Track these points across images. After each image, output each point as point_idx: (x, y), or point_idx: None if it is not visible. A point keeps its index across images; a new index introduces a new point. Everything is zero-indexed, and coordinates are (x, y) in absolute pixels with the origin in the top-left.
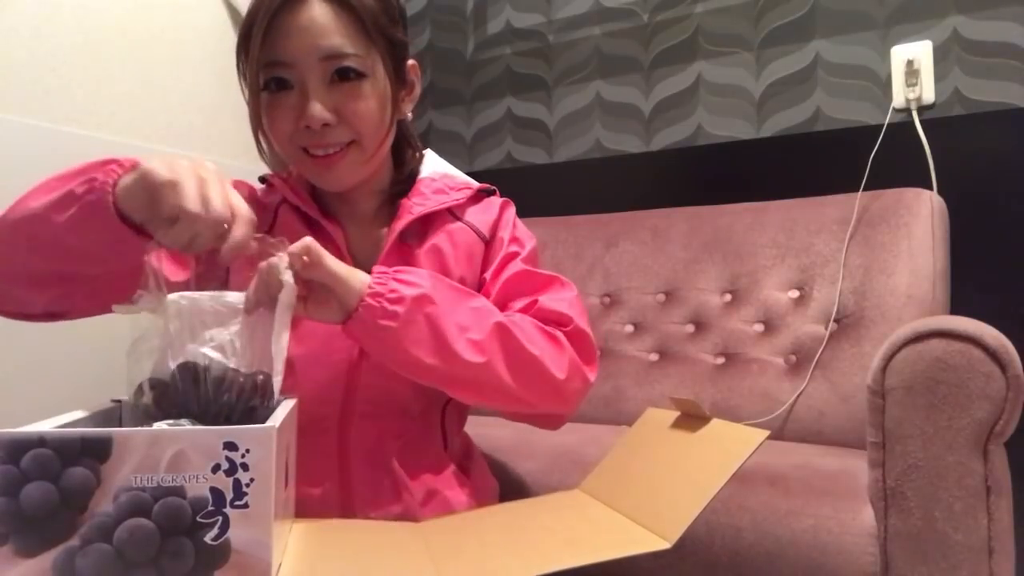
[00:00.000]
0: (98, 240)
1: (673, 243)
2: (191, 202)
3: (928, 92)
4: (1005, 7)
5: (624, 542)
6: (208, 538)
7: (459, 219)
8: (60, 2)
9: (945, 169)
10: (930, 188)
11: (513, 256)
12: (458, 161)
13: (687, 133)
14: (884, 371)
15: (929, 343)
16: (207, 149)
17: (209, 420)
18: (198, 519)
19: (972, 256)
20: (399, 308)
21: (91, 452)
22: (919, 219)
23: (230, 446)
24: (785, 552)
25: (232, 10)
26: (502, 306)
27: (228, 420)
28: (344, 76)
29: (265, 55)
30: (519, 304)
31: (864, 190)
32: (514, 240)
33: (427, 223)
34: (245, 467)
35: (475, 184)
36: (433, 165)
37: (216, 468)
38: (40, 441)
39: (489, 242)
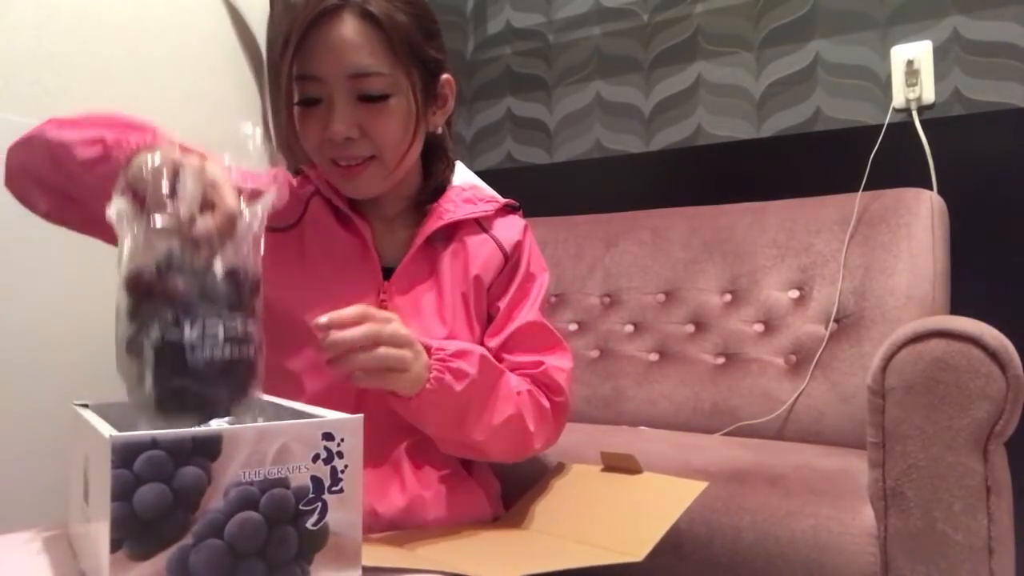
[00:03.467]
0: (107, 187)
1: (673, 243)
2: (179, 215)
3: (928, 92)
4: (1005, 7)
5: (597, 553)
6: (309, 524)
7: (485, 231)
8: (60, 2)
9: (945, 169)
10: (930, 188)
11: (528, 286)
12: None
13: (687, 133)
14: (884, 371)
15: (929, 343)
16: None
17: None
18: (300, 507)
19: (972, 256)
20: (449, 400)
21: (202, 451)
22: (919, 219)
23: (328, 436)
24: (785, 552)
25: (232, 10)
26: (510, 350)
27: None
28: (368, 97)
29: (297, 69)
30: (526, 359)
31: (864, 190)
32: (530, 272)
33: (454, 229)
34: (340, 455)
35: (501, 199)
36: (462, 176)
37: (316, 457)
38: (153, 443)
39: (509, 260)
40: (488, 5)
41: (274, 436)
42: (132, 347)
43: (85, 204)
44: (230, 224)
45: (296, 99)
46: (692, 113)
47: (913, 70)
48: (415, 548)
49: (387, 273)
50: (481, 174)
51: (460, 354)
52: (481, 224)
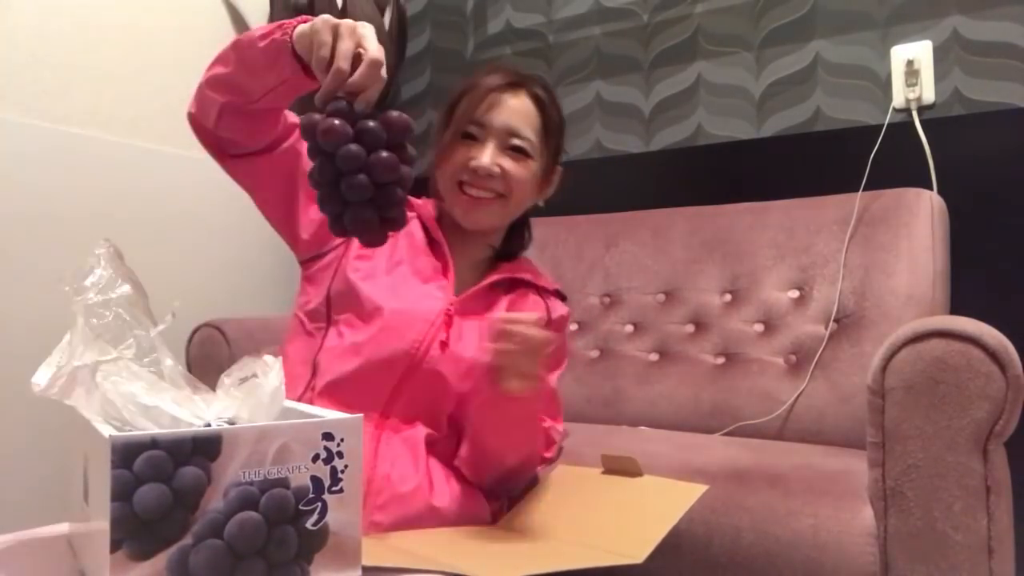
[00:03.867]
0: (278, 72)
1: (673, 243)
2: (322, 50)
3: (928, 92)
4: (1005, 7)
5: (597, 555)
6: (309, 524)
7: (540, 295)
8: (60, 2)
9: (945, 169)
10: (930, 188)
11: (557, 357)
12: None
13: (687, 133)
14: (884, 371)
15: (929, 343)
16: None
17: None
18: (300, 507)
19: (972, 256)
20: (532, 409)
21: (202, 451)
22: (919, 219)
23: (327, 436)
24: (785, 552)
25: (232, 11)
26: None
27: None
28: (516, 149)
29: (476, 114)
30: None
31: (864, 190)
32: (561, 348)
33: (515, 284)
34: (340, 455)
35: (554, 284)
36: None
37: (316, 457)
38: (153, 443)
39: (549, 327)
40: (488, 5)
41: (274, 436)
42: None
43: (249, 108)
44: (376, 70)
45: (460, 132)
46: (692, 113)
47: (913, 70)
48: (415, 549)
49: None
50: None
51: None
52: (539, 290)
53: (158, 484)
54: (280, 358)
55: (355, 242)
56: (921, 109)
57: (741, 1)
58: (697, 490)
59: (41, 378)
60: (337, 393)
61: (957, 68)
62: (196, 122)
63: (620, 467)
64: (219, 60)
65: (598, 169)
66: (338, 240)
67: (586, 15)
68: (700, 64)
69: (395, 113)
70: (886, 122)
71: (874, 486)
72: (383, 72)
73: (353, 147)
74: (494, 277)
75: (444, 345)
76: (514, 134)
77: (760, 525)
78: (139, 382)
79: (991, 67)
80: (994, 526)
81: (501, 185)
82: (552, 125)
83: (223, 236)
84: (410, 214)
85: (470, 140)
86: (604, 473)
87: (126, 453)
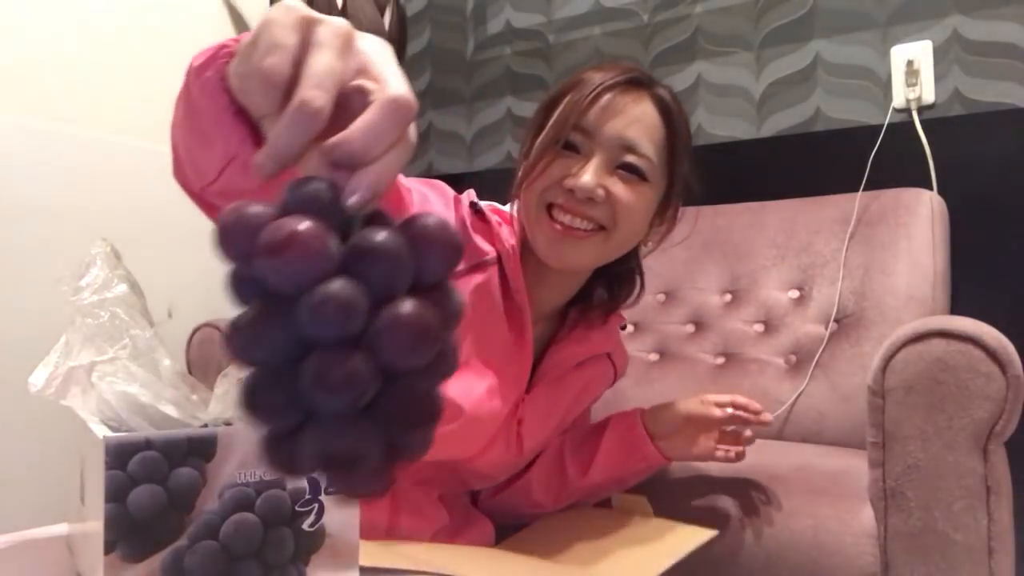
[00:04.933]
0: (222, 136)
1: (673, 243)
2: (269, 62)
3: (928, 92)
4: (1005, 7)
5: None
6: (306, 525)
7: (611, 360)
8: (60, 2)
9: (945, 169)
10: (930, 188)
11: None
12: (458, 161)
13: None
14: (884, 371)
15: (929, 343)
16: None
17: None
18: (297, 508)
19: (972, 256)
20: None
21: (197, 452)
22: (919, 219)
23: None
24: (785, 552)
25: (232, 11)
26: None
27: None
28: (629, 169)
29: (575, 117)
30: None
31: (864, 190)
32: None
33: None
34: None
35: (622, 317)
36: None
37: None
38: (147, 444)
39: (614, 382)
40: (488, 5)
41: None
42: None
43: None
44: (396, 123)
45: (556, 140)
46: (692, 113)
47: (913, 70)
48: (415, 554)
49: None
50: (481, 174)
51: None
52: (610, 356)
53: (152, 485)
54: None
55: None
56: (921, 109)
57: (741, 1)
58: (705, 534)
59: (38, 378)
60: None
61: (957, 68)
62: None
63: (631, 507)
64: (176, 105)
65: None
66: None
67: (586, 15)
68: (700, 64)
69: (431, 220)
70: (886, 122)
71: (874, 486)
72: (411, 133)
73: (337, 288)
74: (568, 362)
75: (516, 455)
76: (629, 148)
77: (760, 525)
78: (135, 382)
79: (991, 67)
80: (994, 526)
81: (604, 214)
82: (680, 143)
83: None
84: (491, 252)
85: (570, 152)
86: (614, 512)
87: (120, 454)
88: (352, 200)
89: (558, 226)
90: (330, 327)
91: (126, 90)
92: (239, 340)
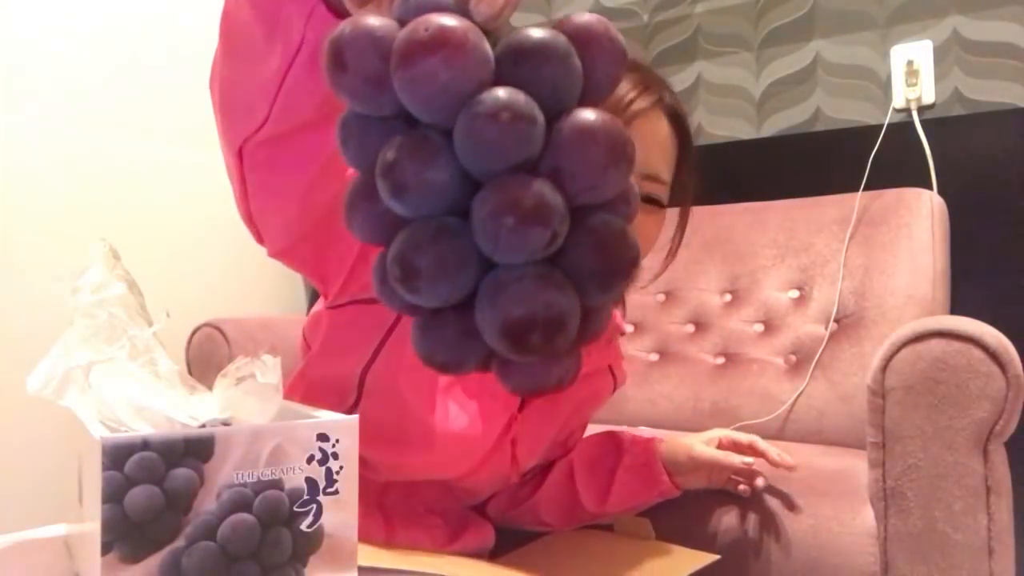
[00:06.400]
0: (284, 31)
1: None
2: None
3: (928, 92)
4: (1005, 7)
5: None
6: (304, 526)
7: (611, 373)
8: (60, 2)
9: (945, 169)
10: (930, 188)
11: None
12: None
13: None
14: (884, 371)
15: (929, 343)
16: (208, 148)
17: None
18: (295, 509)
19: (972, 256)
20: None
21: (194, 452)
22: (919, 219)
23: (322, 437)
24: (785, 552)
25: None
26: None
27: None
28: (650, 200)
29: None
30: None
31: (864, 190)
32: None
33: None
34: (335, 456)
35: (622, 327)
36: None
37: (311, 459)
38: (144, 444)
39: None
40: None
41: (268, 437)
42: None
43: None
44: None
45: None
46: (692, 113)
47: (913, 70)
48: (414, 556)
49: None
50: None
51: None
52: (610, 368)
53: (150, 486)
54: (278, 358)
55: None
56: (921, 109)
57: (741, 1)
58: (706, 558)
59: (36, 379)
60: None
61: (957, 68)
62: (247, 220)
63: (633, 530)
64: (212, 70)
65: None
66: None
67: None
68: (700, 64)
69: (589, 16)
70: (886, 122)
71: (874, 486)
72: None
73: (506, 96)
74: (567, 383)
75: (513, 466)
76: (652, 178)
77: (760, 525)
78: (133, 383)
79: (991, 67)
80: (994, 526)
81: None
82: (689, 153)
83: (224, 236)
84: None
85: None
86: (615, 534)
87: (117, 454)
88: (482, 8)
89: None
90: (505, 149)
91: (127, 90)
92: (387, 188)
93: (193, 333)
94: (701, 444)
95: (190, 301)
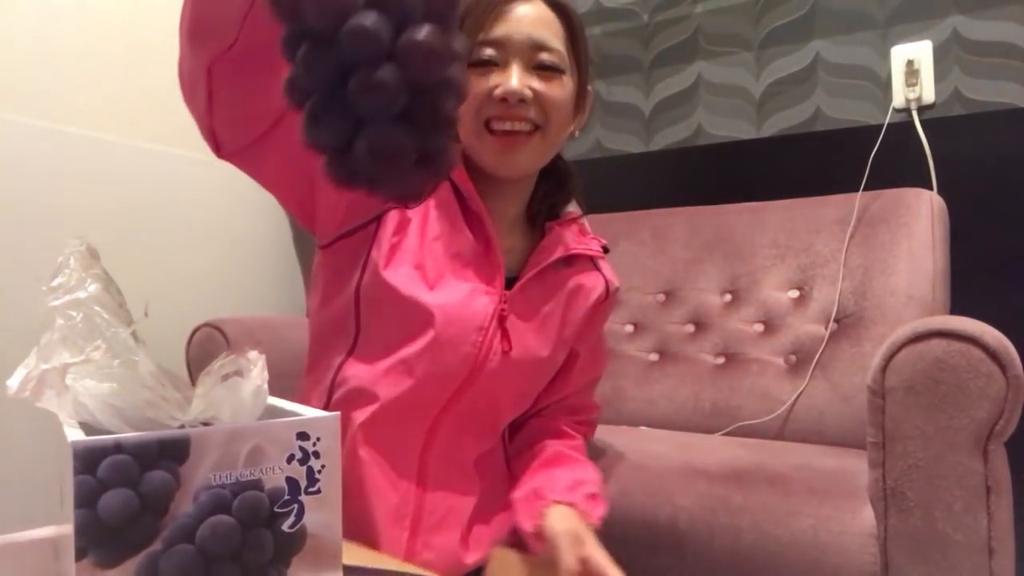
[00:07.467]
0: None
1: (673, 243)
2: None
3: (928, 92)
4: (1005, 7)
5: None
6: (285, 526)
7: (598, 269)
8: (60, 2)
9: (945, 169)
10: (930, 188)
11: (604, 336)
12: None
13: (687, 133)
14: (884, 371)
15: (929, 343)
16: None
17: None
18: (276, 509)
19: (972, 256)
20: None
21: (169, 454)
22: (919, 219)
23: (302, 436)
24: (785, 552)
25: None
26: (585, 396)
27: None
28: (544, 67)
29: (483, 34)
30: (591, 403)
31: (864, 190)
32: (606, 320)
33: (570, 258)
34: (316, 455)
35: (600, 240)
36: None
37: (291, 458)
38: (117, 447)
39: (607, 302)
40: None
41: (245, 437)
42: None
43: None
44: None
45: (470, 60)
46: (692, 113)
47: (913, 70)
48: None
49: (506, 282)
50: None
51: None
52: (594, 261)
53: (124, 489)
54: (263, 355)
55: (388, 223)
56: (921, 109)
57: (741, 1)
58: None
59: (14, 381)
60: (384, 421)
61: (957, 68)
62: (192, 111)
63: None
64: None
65: (598, 169)
66: (369, 214)
67: (586, 15)
68: (700, 64)
69: None
70: (886, 122)
71: (874, 486)
72: None
73: (369, 19)
74: (547, 258)
75: (506, 353)
76: (541, 47)
77: (760, 525)
78: (111, 383)
79: (991, 67)
80: (994, 526)
81: (536, 112)
82: (578, 33)
83: (223, 236)
84: None
85: (487, 67)
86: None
87: (89, 458)
88: None
89: (500, 136)
90: (363, 49)
91: (126, 90)
92: (297, 73)
93: (193, 333)
94: (567, 548)
95: (190, 301)
